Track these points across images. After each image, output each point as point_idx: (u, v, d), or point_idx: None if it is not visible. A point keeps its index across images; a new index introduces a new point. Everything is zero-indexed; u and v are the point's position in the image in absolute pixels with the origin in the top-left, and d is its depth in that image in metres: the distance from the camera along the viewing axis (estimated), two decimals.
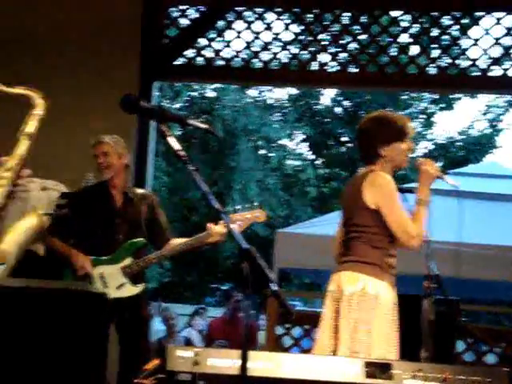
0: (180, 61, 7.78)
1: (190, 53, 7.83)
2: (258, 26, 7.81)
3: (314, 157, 22.67)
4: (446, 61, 7.81)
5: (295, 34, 7.93)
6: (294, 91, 21.33)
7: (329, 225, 7.85)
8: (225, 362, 3.15)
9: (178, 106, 19.60)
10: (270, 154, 20.82)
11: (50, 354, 3.10)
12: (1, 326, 2.94)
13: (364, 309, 4.15)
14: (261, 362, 3.15)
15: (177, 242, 5.51)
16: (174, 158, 2.34)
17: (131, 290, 5.36)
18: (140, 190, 5.70)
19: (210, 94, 19.89)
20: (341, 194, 4.70)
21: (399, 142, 4.39)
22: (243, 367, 2.26)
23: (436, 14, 7.64)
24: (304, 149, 22.66)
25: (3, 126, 6.36)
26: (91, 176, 5.76)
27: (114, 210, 5.46)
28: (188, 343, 9.96)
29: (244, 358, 2.24)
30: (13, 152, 3.68)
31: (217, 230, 5.28)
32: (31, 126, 3.74)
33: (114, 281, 5.31)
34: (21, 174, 3.80)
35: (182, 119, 2.57)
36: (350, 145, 21.17)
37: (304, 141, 22.40)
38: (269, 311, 7.14)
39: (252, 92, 20.39)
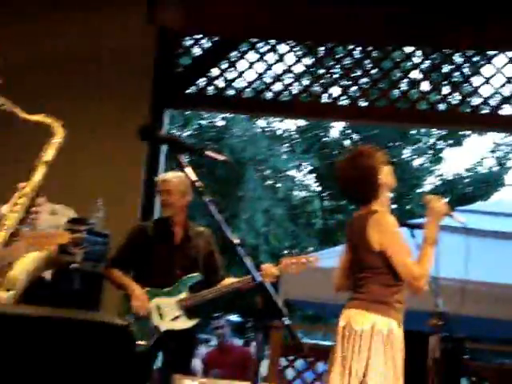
0: (192, 89, 7.81)
1: (201, 82, 7.87)
2: (271, 57, 7.87)
3: (320, 188, 22.67)
4: (456, 98, 7.85)
5: (307, 66, 7.96)
6: (302, 122, 21.37)
7: (334, 258, 7.83)
8: None
9: (187, 133, 19.64)
10: (277, 185, 20.82)
11: None
12: (17, 354, 2.92)
13: (375, 347, 4.15)
14: None
15: (229, 281, 5.62)
16: None
17: (185, 323, 5.49)
18: (199, 228, 5.77)
19: (220, 122, 19.94)
20: (346, 229, 4.70)
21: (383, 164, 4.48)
22: None
23: (448, 51, 7.67)
24: (311, 180, 22.68)
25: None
26: (101, 202, 5.79)
27: (173, 246, 5.60)
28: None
29: None
30: (30, 178, 3.70)
31: (271, 271, 5.43)
32: (49, 154, 3.75)
33: (169, 313, 5.46)
34: (36, 200, 3.82)
35: (199, 150, 2.59)
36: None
37: (311, 172, 22.41)
38: (272, 343, 7.11)
39: (261, 122, 20.42)
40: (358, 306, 4.32)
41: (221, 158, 2.63)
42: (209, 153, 2.58)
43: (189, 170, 2.46)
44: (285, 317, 2.21)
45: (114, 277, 5.59)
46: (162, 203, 5.61)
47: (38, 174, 3.69)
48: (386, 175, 4.46)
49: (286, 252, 19.30)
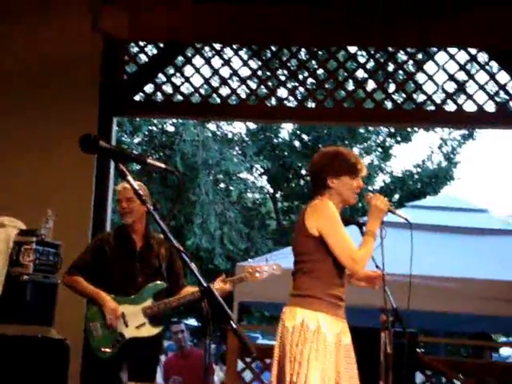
0: (139, 96, 7.80)
1: (149, 88, 7.87)
2: (217, 61, 7.89)
3: (273, 190, 22.72)
4: (401, 95, 7.94)
5: (253, 69, 8.00)
6: (252, 125, 21.39)
7: (288, 258, 7.87)
8: None
9: (137, 140, 19.54)
10: (230, 188, 20.81)
11: None
12: None
13: (303, 343, 4.17)
14: None
15: (190, 289, 5.61)
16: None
17: (150, 331, 5.50)
18: (160, 235, 5.72)
19: (170, 128, 19.86)
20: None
21: (349, 176, 4.45)
22: None
23: (391, 49, 7.76)
24: (264, 182, 22.71)
25: None
26: (51, 213, 5.77)
27: (134, 254, 5.61)
28: None
29: None
30: None
31: (225, 288, 5.51)
32: None
33: (134, 320, 5.46)
34: None
35: (141, 159, 2.60)
36: (309, 178, 21.20)
37: (263, 174, 22.45)
38: (230, 345, 7.14)
39: (211, 126, 20.39)
40: (289, 303, 4.35)
41: (163, 166, 2.64)
42: (151, 161, 2.59)
43: (130, 179, 2.48)
44: (232, 320, 2.24)
45: (79, 284, 5.57)
46: (121, 211, 5.59)
47: None
48: (344, 185, 4.43)
49: (241, 254, 19.29)
